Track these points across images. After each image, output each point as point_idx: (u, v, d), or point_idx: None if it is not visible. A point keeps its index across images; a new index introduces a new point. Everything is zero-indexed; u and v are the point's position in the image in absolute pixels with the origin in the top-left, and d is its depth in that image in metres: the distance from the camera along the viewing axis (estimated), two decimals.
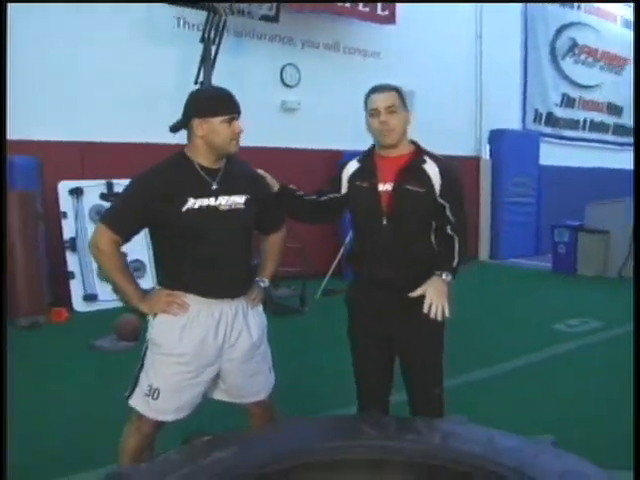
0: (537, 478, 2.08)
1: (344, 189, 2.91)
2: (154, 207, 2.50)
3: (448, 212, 2.77)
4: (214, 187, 2.56)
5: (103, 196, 7.76)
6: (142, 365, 2.63)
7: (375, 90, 2.79)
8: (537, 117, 13.52)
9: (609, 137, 15.44)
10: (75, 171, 7.72)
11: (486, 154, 12.02)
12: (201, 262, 2.56)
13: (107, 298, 7.48)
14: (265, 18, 8.06)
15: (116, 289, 2.70)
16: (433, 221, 2.80)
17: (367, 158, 2.89)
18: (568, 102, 14.24)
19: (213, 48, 7.29)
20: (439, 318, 2.62)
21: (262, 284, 2.79)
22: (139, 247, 7.67)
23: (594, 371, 5.27)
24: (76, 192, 7.62)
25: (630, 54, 15.43)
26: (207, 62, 7.20)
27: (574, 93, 14.30)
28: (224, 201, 2.56)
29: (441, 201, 2.76)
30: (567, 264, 10.24)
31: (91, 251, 2.62)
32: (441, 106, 10.76)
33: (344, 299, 3.03)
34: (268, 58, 9.09)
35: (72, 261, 7.46)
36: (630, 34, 15.39)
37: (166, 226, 2.54)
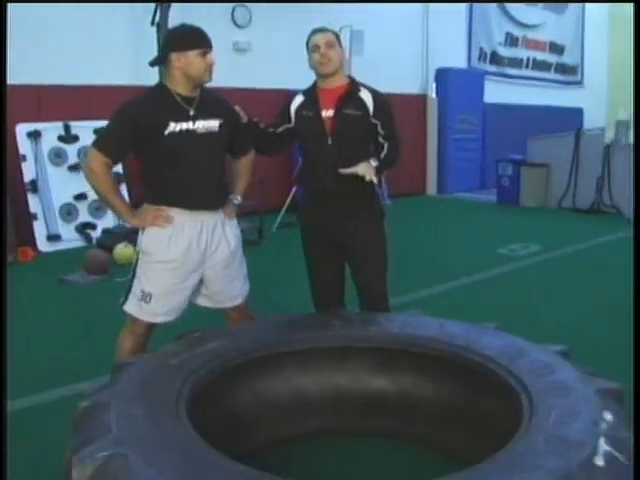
0: (481, 352, 2.49)
1: (292, 120, 3.33)
2: (139, 131, 2.80)
3: (380, 129, 3.25)
4: (191, 113, 2.87)
5: (61, 138, 7.88)
6: (134, 274, 2.95)
7: (315, 31, 3.29)
8: (482, 56, 13.79)
9: (551, 75, 15.83)
10: (32, 114, 7.78)
11: (432, 92, 12.33)
12: (182, 179, 2.88)
13: (70, 238, 7.71)
14: None
15: (109, 206, 2.98)
16: (371, 143, 3.27)
17: (310, 91, 3.34)
18: (512, 41, 14.54)
19: None
20: (367, 179, 3.10)
21: (235, 201, 3.13)
22: None
23: (532, 286, 5.83)
24: (34, 135, 7.69)
25: None
26: (163, 4, 7.30)
27: (518, 32, 14.57)
28: (201, 125, 2.88)
29: (374, 120, 3.24)
30: (510, 196, 10.75)
31: (84, 173, 2.89)
32: (389, 46, 10.98)
33: (297, 216, 3.49)
34: None
35: (34, 203, 7.60)
36: None
37: (151, 148, 2.84)
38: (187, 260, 2.90)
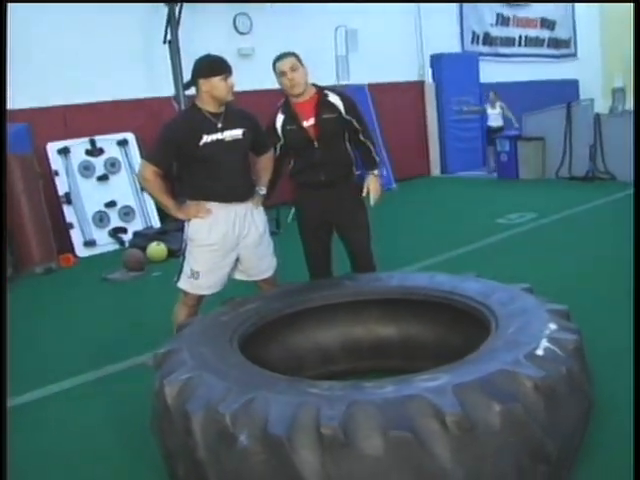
0: (463, 293, 3.16)
1: (280, 136, 3.96)
2: (180, 143, 3.48)
3: (355, 124, 3.93)
4: (219, 125, 3.54)
5: (88, 152, 8.58)
6: (184, 257, 3.66)
7: (279, 59, 3.84)
8: (474, 38, 14.27)
9: (544, 50, 16.23)
10: (59, 132, 8.47)
11: (429, 78, 12.93)
12: (216, 178, 3.55)
13: (104, 242, 8.44)
14: None
15: (161, 204, 3.69)
16: (346, 133, 3.95)
17: (287, 108, 3.92)
18: (503, 21, 14.99)
19: (177, 8, 8.06)
20: (372, 203, 3.96)
21: (260, 192, 3.80)
22: (129, 194, 8.65)
23: (526, 247, 6.58)
24: (64, 151, 8.40)
25: None
26: (173, 22, 7.99)
27: (508, 12, 15.01)
28: (228, 134, 3.56)
29: (347, 117, 3.90)
30: (510, 171, 11.36)
31: (139, 181, 3.60)
32: (384, 38, 11.59)
33: (294, 200, 4.19)
34: (221, 10, 9.80)
35: (69, 213, 8.34)
36: None
37: (190, 156, 3.52)
38: (225, 243, 3.58)
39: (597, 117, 10.68)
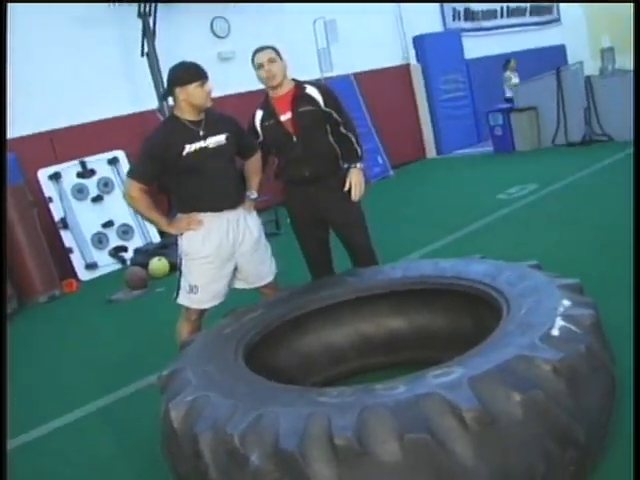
0: (469, 277, 3.06)
1: (260, 133, 3.90)
2: (162, 157, 3.38)
3: (335, 116, 3.83)
4: (201, 133, 3.44)
5: (79, 175, 8.47)
6: (180, 272, 3.57)
7: (257, 51, 3.81)
8: (456, 15, 14.08)
9: (527, 19, 16.05)
10: (49, 158, 8.37)
11: (413, 60, 12.76)
12: (204, 188, 3.45)
13: (105, 263, 8.34)
14: None
15: (150, 222, 3.60)
16: (327, 126, 3.84)
17: (266, 104, 3.91)
18: None
19: (150, 19, 7.94)
20: (355, 199, 3.85)
21: (252, 196, 3.70)
22: (125, 213, 8.55)
23: (529, 221, 6.46)
24: (55, 177, 8.29)
25: None
26: (148, 34, 7.87)
27: None
28: (211, 141, 3.46)
29: (327, 109, 3.80)
30: (505, 144, 11.20)
31: (125, 199, 3.51)
32: (364, 26, 11.42)
33: (283, 200, 4.10)
34: (197, 15, 9.67)
35: (67, 238, 8.23)
36: None
37: (174, 168, 3.42)
38: (220, 253, 3.48)
39: (588, 79, 10.52)
